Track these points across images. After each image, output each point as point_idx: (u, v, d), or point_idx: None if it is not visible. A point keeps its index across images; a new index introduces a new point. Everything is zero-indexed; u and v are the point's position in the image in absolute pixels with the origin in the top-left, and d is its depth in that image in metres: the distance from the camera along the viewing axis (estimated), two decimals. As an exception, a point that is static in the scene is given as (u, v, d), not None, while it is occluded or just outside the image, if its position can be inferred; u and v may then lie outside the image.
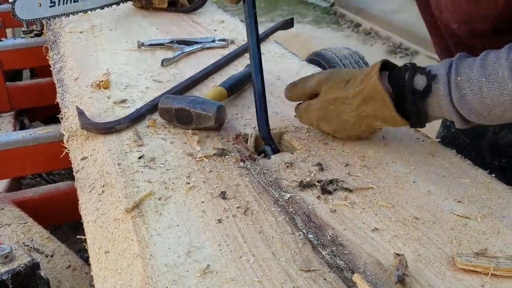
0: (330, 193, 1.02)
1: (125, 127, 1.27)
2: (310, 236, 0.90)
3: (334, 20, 7.00)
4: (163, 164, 1.13)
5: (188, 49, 1.77)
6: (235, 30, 2.11)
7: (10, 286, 1.30)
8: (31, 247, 1.67)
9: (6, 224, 1.76)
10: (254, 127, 1.29)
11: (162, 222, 0.94)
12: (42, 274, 1.41)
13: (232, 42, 1.88)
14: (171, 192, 1.03)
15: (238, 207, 0.98)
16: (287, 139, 1.24)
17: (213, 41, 1.84)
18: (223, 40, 1.85)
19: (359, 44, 6.08)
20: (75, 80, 1.59)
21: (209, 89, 1.50)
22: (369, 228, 0.92)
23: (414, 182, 1.06)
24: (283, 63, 1.71)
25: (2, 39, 2.99)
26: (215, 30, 2.07)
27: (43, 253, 1.66)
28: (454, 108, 0.95)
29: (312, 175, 1.08)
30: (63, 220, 2.02)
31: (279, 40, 2.03)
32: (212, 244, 0.88)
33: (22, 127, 2.86)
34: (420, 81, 0.99)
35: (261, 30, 1.67)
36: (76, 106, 1.34)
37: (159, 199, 1.01)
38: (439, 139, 1.22)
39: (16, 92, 2.74)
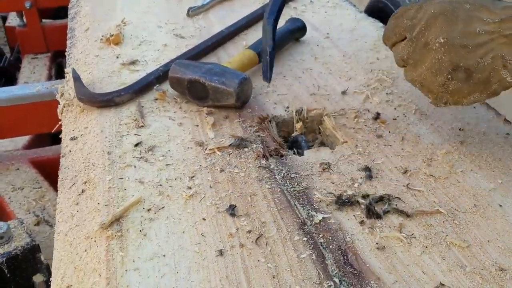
0: (379, 217, 0.74)
1: (126, 99, 1.02)
2: (343, 289, 0.63)
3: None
4: (163, 156, 0.87)
5: None
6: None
7: (6, 271, 1.13)
8: (41, 218, 1.51)
9: (19, 188, 1.61)
10: (287, 107, 1.00)
11: (145, 249, 0.70)
12: (42, 258, 1.23)
13: (277, -14, 1.54)
14: (166, 200, 0.78)
15: (249, 231, 0.72)
16: (329, 126, 0.95)
17: None
18: None
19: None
20: (86, 31, 1.34)
21: (239, 50, 1.21)
22: (432, 283, 0.64)
23: (500, 206, 0.75)
24: (335, 16, 1.38)
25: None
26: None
27: (53, 226, 1.49)
28: None
29: (356, 185, 0.80)
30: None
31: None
32: (204, 291, 0.63)
33: (60, 70, 2.69)
34: None
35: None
36: (73, 69, 1.10)
37: (149, 210, 0.76)
38: (539, 138, 0.88)
39: (53, 32, 2.55)
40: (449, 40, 0.74)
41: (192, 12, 1.37)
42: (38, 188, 1.60)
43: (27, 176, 1.63)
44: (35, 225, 1.47)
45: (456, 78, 0.75)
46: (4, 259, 1.10)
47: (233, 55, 1.18)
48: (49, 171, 1.64)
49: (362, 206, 0.75)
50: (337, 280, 0.64)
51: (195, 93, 0.98)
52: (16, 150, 1.73)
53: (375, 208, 0.74)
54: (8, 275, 1.12)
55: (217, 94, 0.96)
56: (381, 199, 0.76)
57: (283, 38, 1.17)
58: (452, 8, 0.75)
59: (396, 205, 0.75)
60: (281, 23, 1.32)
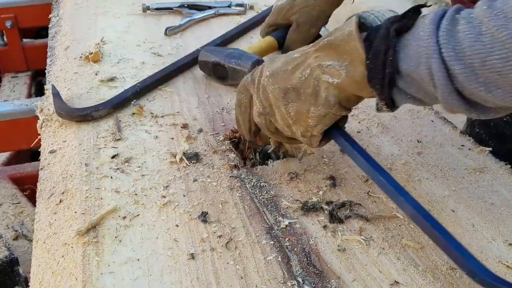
0: (341, 221, 0.79)
1: (104, 114, 1.06)
2: (306, 287, 0.68)
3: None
4: (139, 167, 0.92)
5: (198, 15, 1.52)
6: (257, -9, 1.83)
7: (-17, 283, 1.15)
8: (19, 233, 1.53)
9: (-2, 204, 1.63)
10: (259, 121, 1.06)
11: (120, 254, 0.74)
12: (21, 271, 1.25)
13: (251, 7, 1.61)
14: (141, 208, 0.82)
15: (220, 236, 0.76)
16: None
17: (229, 6, 1.58)
18: (241, 5, 1.59)
19: (408, 4, 5.63)
20: (65, 49, 1.38)
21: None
22: (387, 281, 0.69)
23: (453, 211, 0.81)
24: (306, 36, 1.44)
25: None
26: (234, -8, 1.80)
27: (31, 240, 1.51)
28: (437, 46, 0.59)
29: (321, 193, 0.85)
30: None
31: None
32: (176, 292, 0.68)
33: (40, 88, 2.71)
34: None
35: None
36: (52, 85, 1.14)
37: (124, 218, 0.80)
38: (490, 149, 0.95)
39: (34, 51, 2.58)
40: (273, 70, 0.78)
41: (170, 31, 1.42)
42: (17, 203, 1.62)
43: (6, 192, 1.65)
44: (13, 239, 1.49)
45: (290, 100, 0.76)
46: (-18, 272, 1.12)
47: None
48: (28, 187, 1.66)
49: (326, 211, 0.81)
50: (300, 280, 0.69)
51: (218, 73, 1.16)
52: (-5, 167, 1.75)
53: (337, 214, 0.80)
54: (-13, 288, 1.13)
55: (234, 74, 1.13)
56: (343, 205, 0.82)
57: None
58: (277, 55, 0.86)
59: (357, 210, 0.81)
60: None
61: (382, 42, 0.65)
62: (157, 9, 1.58)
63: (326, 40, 0.72)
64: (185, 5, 1.58)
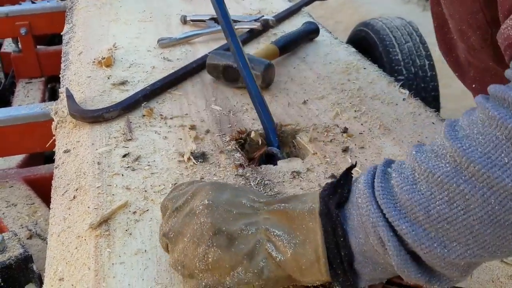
0: None
1: (115, 115, 1.10)
2: (306, 278, 0.71)
3: (393, -17, 6.53)
4: (149, 165, 0.96)
5: (208, 29, 1.54)
6: (266, -2, 1.87)
7: (-1, 280, 1.19)
8: (33, 232, 1.57)
9: (13, 204, 1.67)
10: (264, 122, 1.09)
11: (130, 246, 0.78)
12: (35, 268, 1.29)
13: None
14: (150, 204, 0.86)
15: (225, 230, 0.80)
16: (301, 140, 1.04)
17: (257, 20, 1.57)
18: (257, 20, 1.58)
19: (418, 10, 5.64)
20: (79, 54, 1.44)
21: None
22: (383, 273, 0.72)
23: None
24: (311, 41, 1.49)
25: (37, 1, 2.88)
26: (243, -1, 1.85)
27: (45, 239, 1.56)
28: (379, 210, 0.54)
29: (322, 190, 0.88)
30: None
31: (330, 3, 1.78)
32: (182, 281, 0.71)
33: (53, 94, 2.77)
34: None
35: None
36: (66, 88, 1.19)
37: (134, 212, 0.84)
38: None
39: (47, 58, 2.64)
40: (214, 203, 0.64)
41: (161, 44, 1.45)
42: (31, 204, 1.67)
43: (21, 193, 1.70)
44: (27, 238, 1.54)
45: (217, 244, 0.61)
46: (-1, 268, 1.16)
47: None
48: (42, 189, 1.71)
49: (327, 208, 0.84)
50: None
51: (229, 76, 1.22)
52: (10, 169, 1.80)
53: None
54: (2, 284, 1.17)
55: None
56: (344, 202, 0.84)
57: (299, 38, 1.43)
58: (223, 183, 0.72)
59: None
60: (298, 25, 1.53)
61: (327, 221, 0.58)
62: (192, 20, 1.63)
63: (283, 206, 0.63)
64: (213, 19, 1.61)
